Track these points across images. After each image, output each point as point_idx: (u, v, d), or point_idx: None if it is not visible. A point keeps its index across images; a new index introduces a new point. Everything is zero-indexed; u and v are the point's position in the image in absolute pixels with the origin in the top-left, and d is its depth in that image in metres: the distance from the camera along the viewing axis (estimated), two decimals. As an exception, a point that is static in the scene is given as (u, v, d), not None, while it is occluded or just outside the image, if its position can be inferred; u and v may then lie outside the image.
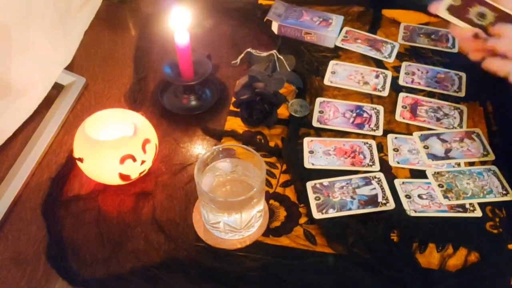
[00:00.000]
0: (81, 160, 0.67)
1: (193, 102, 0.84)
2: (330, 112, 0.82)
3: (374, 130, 0.80)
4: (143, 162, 0.68)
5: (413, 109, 0.83)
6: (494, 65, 0.69)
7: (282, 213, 0.69)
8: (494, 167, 0.74)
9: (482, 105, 0.84)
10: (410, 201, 0.69)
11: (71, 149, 0.70)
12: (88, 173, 0.69)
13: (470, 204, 0.69)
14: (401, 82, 0.88)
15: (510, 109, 0.82)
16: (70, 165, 0.74)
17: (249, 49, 0.91)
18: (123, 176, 0.68)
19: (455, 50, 0.95)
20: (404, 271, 0.62)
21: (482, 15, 0.70)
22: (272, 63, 0.87)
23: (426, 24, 1.00)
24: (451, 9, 0.72)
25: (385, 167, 0.74)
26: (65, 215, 0.69)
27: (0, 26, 0.76)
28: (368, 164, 0.74)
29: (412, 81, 0.88)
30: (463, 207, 0.69)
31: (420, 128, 0.80)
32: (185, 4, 0.77)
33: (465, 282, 0.62)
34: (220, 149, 0.65)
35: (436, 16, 0.74)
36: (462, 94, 0.86)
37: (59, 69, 0.88)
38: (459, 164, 0.75)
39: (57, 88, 0.86)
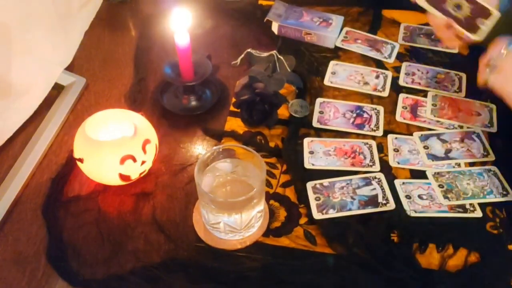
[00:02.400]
0: (81, 160, 0.67)
1: (193, 103, 0.84)
2: (330, 112, 0.82)
3: (374, 131, 0.80)
4: (143, 162, 0.68)
5: (413, 110, 0.83)
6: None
7: (282, 214, 0.69)
8: (494, 168, 0.74)
9: (482, 106, 0.84)
10: (410, 202, 0.69)
11: (71, 149, 0.70)
12: (88, 174, 0.69)
13: (470, 204, 0.69)
14: (401, 82, 0.88)
15: (510, 109, 0.82)
16: (70, 165, 0.74)
17: (249, 50, 0.91)
18: (123, 177, 0.68)
19: (455, 51, 0.95)
20: (404, 271, 0.62)
21: (458, 6, 0.73)
22: (272, 63, 0.87)
23: (426, 24, 1.00)
24: None
25: (385, 168, 0.74)
26: (65, 216, 0.69)
27: (0, 26, 0.76)
28: (368, 165, 0.74)
29: (412, 81, 0.88)
30: (463, 208, 0.69)
31: (420, 129, 0.80)
32: (185, 5, 0.77)
33: (465, 283, 0.62)
34: (220, 149, 0.65)
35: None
36: (462, 94, 0.86)
37: (59, 69, 0.88)
38: (459, 165, 0.75)
39: (57, 89, 0.86)
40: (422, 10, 1.03)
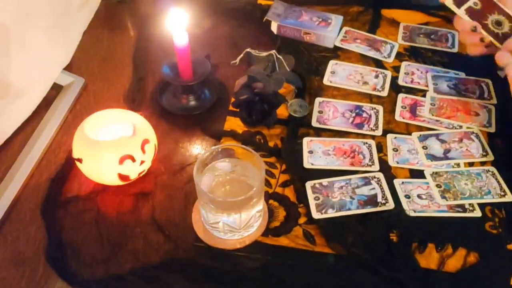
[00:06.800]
0: (80, 160, 0.67)
1: (192, 102, 0.84)
2: (330, 112, 0.82)
3: (374, 130, 0.80)
4: (142, 162, 0.68)
5: (412, 109, 0.83)
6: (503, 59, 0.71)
7: (281, 213, 0.69)
8: (493, 168, 0.74)
9: (481, 105, 0.84)
10: (410, 201, 0.69)
11: (70, 149, 0.70)
12: (87, 174, 0.69)
13: (469, 204, 0.69)
14: (400, 82, 0.88)
15: (509, 109, 0.82)
16: (69, 165, 0.74)
17: (248, 49, 0.91)
18: (122, 177, 0.68)
19: (455, 50, 0.95)
20: (403, 271, 0.62)
21: (498, 23, 0.72)
22: (271, 63, 0.87)
23: (426, 24, 1.00)
24: (469, 10, 0.73)
25: (384, 167, 0.74)
26: (64, 216, 0.69)
27: (-1, 26, 0.76)
28: (367, 164, 0.74)
29: (412, 81, 0.88)
30: (462, 207, 0.69)
31: (420, 128, 0.80)
32: (184, 4, 0.77)
33: (464, 282, 0.62)
34: (220, 149, 0.65)
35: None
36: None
37: (58, 69, 0.87)
38: (458, 165, 0.75)
39: (56, 89, 0.86)
40: (422, 10, 1.03)
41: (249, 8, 1.04)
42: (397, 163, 0.75)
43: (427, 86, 0.87)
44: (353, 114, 0.82)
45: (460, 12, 0.75)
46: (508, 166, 0.74)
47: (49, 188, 0.71)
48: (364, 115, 0.82)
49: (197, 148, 0.78)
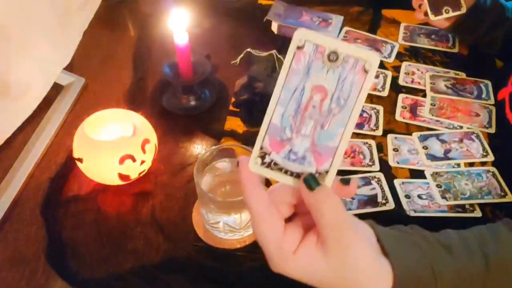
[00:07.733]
0: (80, 160, 0.67)
1: (193, 102, 0.84)
2: (330, 112, 0.82)
3: (374, 130, 0.80)
4: (142, 162, 0.68)
5: (412, 109, 0.83)
6: None
7: (281, 213, 0.69)
8: (493, 169, 0.74)
9: (481, 105, 0.84)
10: (410, 201, 0.69)
11: (71, 149, 0.70)
12: (87, 173, 0.69)
13: (470, 204, 0.69)
14: (401, 82, 0.88)
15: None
16: (69, 165, 0.74)
17: (248, 49, 0.91)
18: (122, 176, 0.68)
19: (455, 50, 0.95)
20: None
21: None
22: (271, 63, 0.87)
23: (426, 24, 1.00)
24: None
25: (384, 167, 0.74)
26: (64, 215, 0.69)
27: None
28: (367, 164, 0.74)
29: (412, 81, 0.88)
30: (462, 207, 0.69)
31: (420, 128, 0.80)
32: (184, 4, 0.77)
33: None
34: (220, 149, 0.65)
35: None
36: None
37: (58, 69, 0.87)
38: (458, 165, 0.75)
39: (56, 89, 0.86)
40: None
41: (249, 8, 1.04)
42: (398, 163, 0.75)
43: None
44: (354, 114, 0.82)
45: None
46: (508, 166, 0.74)
47: (49, 188, 0.71)
48: (365, 115, 0.82)
49: (197, 148, 0.78)
